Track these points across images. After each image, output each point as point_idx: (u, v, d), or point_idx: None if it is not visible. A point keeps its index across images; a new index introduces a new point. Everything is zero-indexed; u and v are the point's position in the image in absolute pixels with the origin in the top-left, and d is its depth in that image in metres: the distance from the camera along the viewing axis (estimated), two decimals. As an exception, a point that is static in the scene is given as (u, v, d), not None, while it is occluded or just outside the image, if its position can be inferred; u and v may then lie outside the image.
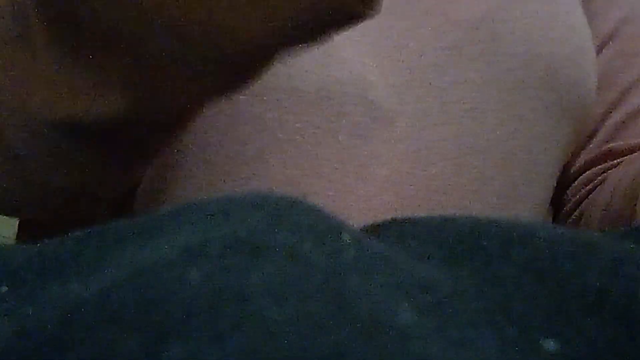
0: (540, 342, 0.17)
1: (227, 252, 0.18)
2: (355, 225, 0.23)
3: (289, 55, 0.38)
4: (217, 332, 0.15)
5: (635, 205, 0.45)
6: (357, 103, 0.42)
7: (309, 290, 0.16)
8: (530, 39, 0.45)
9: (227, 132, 0.41)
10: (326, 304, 0.16)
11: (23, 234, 0.50)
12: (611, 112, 0.53)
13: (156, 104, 0.32)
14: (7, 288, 0.19)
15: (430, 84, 0.44)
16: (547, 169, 0.48)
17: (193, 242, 0.18)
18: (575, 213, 0.54)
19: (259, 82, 0.40)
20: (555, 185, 0.51)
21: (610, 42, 0.54)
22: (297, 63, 0.41)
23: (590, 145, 0.54)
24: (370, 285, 0.17)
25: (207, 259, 0.17)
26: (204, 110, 0.35)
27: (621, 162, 0.52)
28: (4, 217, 0.42)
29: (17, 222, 0.51)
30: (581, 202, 0.54)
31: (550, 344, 0.17)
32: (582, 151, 0.54)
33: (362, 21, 0.27)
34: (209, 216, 0.20)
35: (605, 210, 0.49)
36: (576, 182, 0.54)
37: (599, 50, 0.54)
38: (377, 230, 0.24)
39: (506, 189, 0.45)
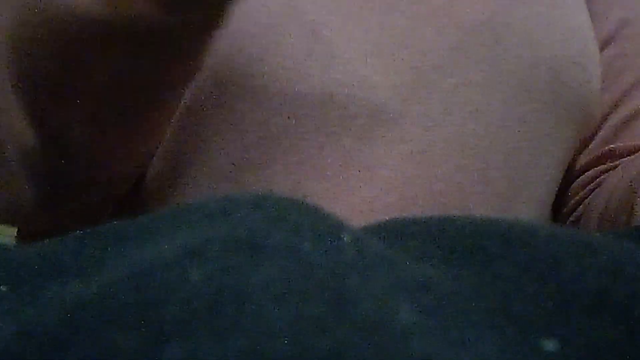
0: (540, 342, 0.17)
1: (227, 252, 0.18)
2: (355, 226, 0.23)
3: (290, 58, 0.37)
4: (217, 332, 0.15)
5: (632, 210, 0.45)
6: (360, 105, 0.42)
7: (309, 290, 0.16)
8: (534, 41, 0.45)
9: (230, 138, 0.41)
10: (326, 304, 0.16)
11: (23, 234, 0.50)
12: (611, 113, 0.53)
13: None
14: (7, 288, 0.19)
15: (433, 85, 0.44)
16: (549, 171, 0.48)
17: (193, 242, 0.18)
18: (575, 214, 0.54)
19: (262, 88, 0.40)
20: (557, 186, 0.51)
21: (611, 44, 0.54)
22: (299, 67, 0.41)
23: (590, 146, 0.54)
24: (370, 285, 0.17)
25: (207, 259, 0.17)
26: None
27: (620, 163, 0.52)
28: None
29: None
30: (580, 203, 0.54)
31: (550, 344, 0.17)
32: (582, 152, 0.54)
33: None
34: (209, 216, 0.20)
35: (602, 214, 0.49)
36: (576, 183, 0.54)
37: (600, 51, 0.54)
38: (377, 230, 0.24)
39: (509, 190, 0.45)
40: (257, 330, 0.15)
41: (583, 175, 0.54)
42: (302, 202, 0.21)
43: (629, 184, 0.46)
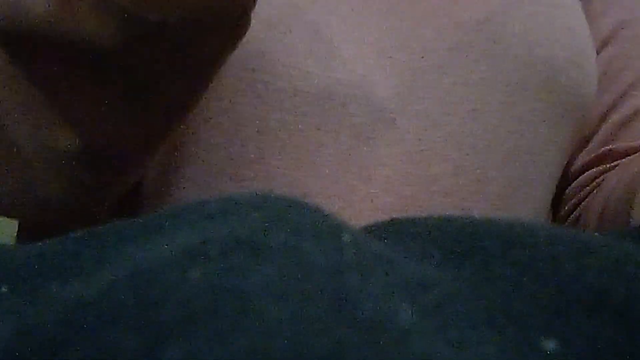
0: (540, 342, 0.17)
1: (227, 252, 0.18)
2: (356, 226, 0.23)
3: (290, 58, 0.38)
4: (217, 332, 0.15)
5: (631, 210, 0.45)
6: (359, 104, 0.42)
7: (309, 290, 0.16)
8: (531, 41, 0.45)
9: (229, 134, 0.41)
10: (326, 304, 0.16)
11: (23, 234, 0.50)
12: (610, 114, 0.54)
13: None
14: (7, 288, 0.19)
15: (432, 85, 0.44)
16: (547, 170, 0.48)
17: (193, 242, 0.18)
18: (574, 215, 0.54)
19: (262, 83, 0.41)
20: (555, 186, 0.51)
21: (609, 44, 0.54)
22: (299, 64, 0.41)
23: (589, 147, 0.54)
24: (370, 285, 0.17)
25: (207, 259, 0.17)
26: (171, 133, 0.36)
27: (618, 164, 0.52)
28: (5, 217, 0.42)
29: (17, 223, 0.51)
30: (579, 204, 0.54)
31: (550, 344, 0.17)
32: (581, 152, 0.54)
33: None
34: (209, 216, 0.20)
35: (601, 214, 0.49)
36: (575, 184, 0.54)
37: (598, 52, 0.54)
38: (377, 230, 0.24)
39: (507, 190, 0.45)
40: (257, 330, 0.15)
41: (582, 176, 0.54)
42: (302, 202, 0.21)
43: (628, 184, 0.46)
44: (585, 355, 0.17)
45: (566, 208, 0.55)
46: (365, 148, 0.42)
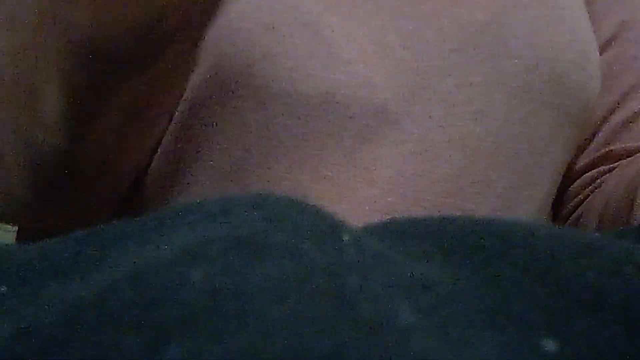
0: (540, 342, 0.17)
1: (227, 252, 0.18)
2: (356, 226, 0.23)
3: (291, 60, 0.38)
4: (217, 332, 0.15)
5: (631, 210, 0.45)
6: (362, 105, 0.42)
7: (309, 290, 0.16)
8: (535, 43, 0.45)
9: (232, 138, 0.41)
10: (326, 304, 0.16)
11: (23, 234, 0.50)
12: (611, 115, 0.54)
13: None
14: (7, 288, 0.19)
15: (434, 86, 0.44)
16: (549, 172, 0.48)
17: (193, 242, 0.18)
18: (574, 215, 0.54)
19: (263, 87, 0.41)
20: (557, 187, 0.51)
21: (611, 46, 0.54)
22: (301, 67, 0.41)
23: (590, 148, 0.54)
24: (370, 285, 0.17)
25: (207, 259, 0.17)
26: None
27: (619, 164, 0.53)
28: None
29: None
30: (579, 205, 0.54)
31: (550, 344, 0.17)
32: (582, 153, 0.54)
33: None
34: (209, 216, 0.20)
35: (601, 214, 0.49)
36: (575, 184, 0.54)
37: (600, 53, 0.54)
38: (377, 230, 0.24)
39: (509, 191, 0.45)
40: (257, 330, 0.15)
41: (583, 177, 0.54)
42: (302, 202, 0.21)
43: (628, 184, 0.46)
44: (585, 355, 0.17)
45: (567, 208, 0.55)
46: (367, 149, 0.42)
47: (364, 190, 0.42)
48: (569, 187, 0.55)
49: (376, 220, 0.39)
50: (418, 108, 0.43)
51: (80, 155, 0.37)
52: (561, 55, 0.46)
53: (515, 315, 0.18)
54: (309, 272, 0.17)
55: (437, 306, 0.17)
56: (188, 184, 0.42)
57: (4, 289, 0.19)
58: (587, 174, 0.54)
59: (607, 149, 0.53)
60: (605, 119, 0.54)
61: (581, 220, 0.53)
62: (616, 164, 0.53)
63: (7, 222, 0.42)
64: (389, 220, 0.25)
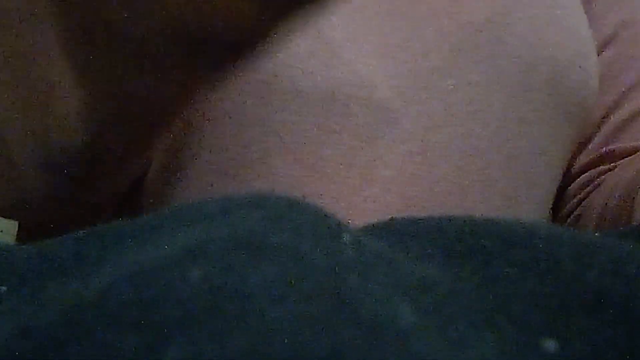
0: (540, 342, 0.17)
1: (227, 252, 0.18)
2: (356, 226, 0.23)
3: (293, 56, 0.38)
4: (217, 332, 0.15)
5: (631, 210, 0.45)
6: (362, 104, 0.42)
7: (309, 290, 0.16)
8: (533, 42, 0.46)
9: (232, 135, 0.41)
10: (326, 304, 0.16)
11: (23, 234, 0.50)
12: (610, 115, 0.54)
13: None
14: (7, 288, 0.19)
15: (434, 85, 0.44)
16: (549, 171, 0.48)
17: (193, 242, 0.18)
18: (574, 215, 0.54)
19: (264, 84, 0.41)
20: (557, 186, 0.51)
21: (610, 45, 0.54)
22: (302, 65, 0.41)
23: (589, 147, 0.54)
24: (370, 285, 0.17)
25: (207, 259, 0.17)
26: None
27: (619, 164, 0.53)
28: (4, 218, 0.42)
29: (17, 223, 0.51)
30: (579, 204, 0.54)
31: (550, 344, 0.17)
32: (581, 153, 0.54)
33: None
34: (209, 216, 0.20)
35: (601, 213, 0.49)
36: (575, 184, 0.54)
37: (599, 53, 0.54)
38: (377, 230, 0.24)
39: (509, 190, 0.45)
40: (257, 330, 0.15)
41: (582, 176, 0.54)
42: (302, 202, 0.21)
43: (628, 184, 0.46)
44: (585, 355, 0.17)
45: (566, 208, 0.55)
46: (367, 148, 0.42)
47: (363, 189, 0.42)
48: (569, 186, 0.55)
49: (376, 220, 0.39)
50: (418, 107, 0.43)
51: (95, 156, 0.37)
52: (560, 54, 0.46)
53: (515, 315, 0.18)
54: (308, 272, 0.17)
55: (437, 306, 0.17)
56: (187, 181, 0.42)
57: (4, 289, 0.19)
58: (586, 174, 0.54)
59: (606, 149, 0.53)
60: (604, 119, 0.54)
61: (581, 220, 0.53)
62: (616, 163, 0.53)
63: (8, 217, 0.42)
64: (389, 220, 0.25)
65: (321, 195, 0.42)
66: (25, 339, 0.16)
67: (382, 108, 0.42)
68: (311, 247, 0.18)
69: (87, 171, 0.37)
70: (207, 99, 0.41)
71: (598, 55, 0.53)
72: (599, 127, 0.54)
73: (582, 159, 0.54)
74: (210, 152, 0.42)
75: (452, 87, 0.44)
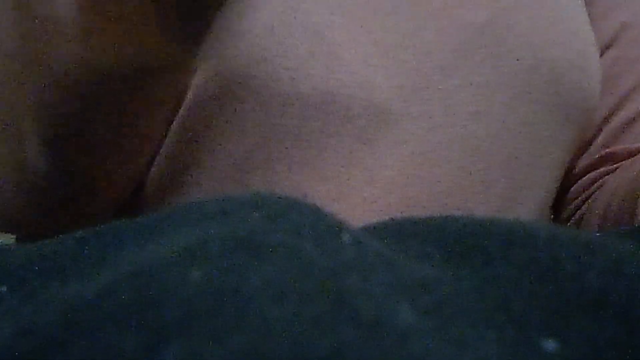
0: (540, 342, 0.17)
1: (227, 252, 0.18)
2: (356, 226, 0.23)
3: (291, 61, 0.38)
4: (217, 332, 0.15)
5: (634, 211, 0.45)
6: (362, 106, 0.42)
7: (309, 290, 0.16)
8: (535, 43, 0.45)
9: (233, 139, 0.41)
10: (326, 304, 0.16)
11: (23, 235, 0.50)
12: (612, 116, 0.54)
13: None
14: (7, 288, 0.19)
15: (435, 86, 0.44)
16: (550, 172, 0.48)
17: (193, 242, 0.18)
18: (575, 217, 0.54)
19: (264, 88, 0.41)
20: (558, 187, 0.51)
21: (611, 47, 0.54)
22: (301, 67, 0.41)
23: (590, 149, 0.54)
24: (370, 285, 0.17)
25: (207, 259, 0.17)
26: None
27: (620, 166, 0.53)
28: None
29: (15, 237, 0.51)
30: (580, 206, 0.54)
31: (550, 344, 0.17)
32: (582, 155, 0.54)
33: None
34: (209, 216, 0.20)
35: (603, 215, 0.49)
36: (576, 186, 0.54)
37: (600, 54, 0.54)
38: (377, 230, 0.24)
39: (510, 191, 0.45)
40: (257, 330, 0.15)
41: (584, 178, 0.54)
42: (302, 202, 0.21)
43: (630, 186, 0.46)
44: (585, 355, 0.17)
45: (568, 210, 0.55)
46: (368, 150, 0.42)
47: (364, 190, 0.42)
48: (570, 188, 0.55)
49: (376, 220, 0.39)
50: (418, 108, 0.43)
51: (71, 177, 0.37)
52: (561, 55, 0.46)
53: (515, 315, 0.18)
54: (308, 272, 0.17)
55: (437, 306, 0.17)
56: (188, 185, 0.42)
57: (4, 289, 0.19)
58: (588, 175, 0.54)
59: (608, 150, 0.53)
60: (606, 120, 0.54)
61: (583, 222, 0.53)
62: (617, 165, 0.53)
63: (5, 232, 0.43)
64: (389, 220, 0.25)
65: (322, 196, 0.42)
66: (25, 339, 0.16)
67: (382, 109, 0.42)
68: (311, 247, 0.18)
69: (68, 191, 0.38)
70: (205, 105, 0.41)
71: (600, 57, 0.53)
72: (601, 129, 0.54)
73: (584, 161, 0.54)
74: (211, 157, 0.42)
75: (452, 87, 0.44)
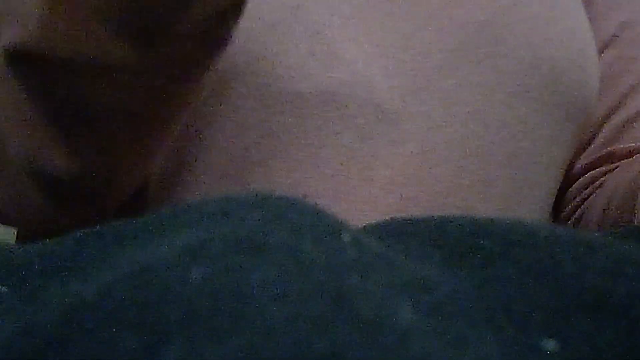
0: (540, 342, 0.17)
1: (227, 252, 0.18)
2: (355, 226, 0.23)
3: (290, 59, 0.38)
4: (217, 332, 0.15)
5: (633, 209, 0.45)
6: (361, 105, 0.42)
7: (309, 289, 0.16)
8: (534, 43, 0.45)
9: (232, 137, 0.41)
10: (326, 304, 0.16)
11: (23, 234, 0.50)
12: (611, 116, 0.53)
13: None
14: (7, 288, 0.19)
15: (434, 86, 0.44)
16: (549, 171, 0.48)
17: (193, 242, 0.18)
18: (575, 216, 0.54)
19: (264, 86, 0.41)
20: (557, 187, 0.51)
21: (610, 46, 0.54)
22: (301, 65, 0.41)
23: (590, 149, 0.54)
24: (370, 285, 0.17)
25: (207, 258, 0.17)
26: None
27: (620, 165, 0.52)
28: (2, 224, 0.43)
29: (16, 229, 0.51)
30: (580, 205, 0.54)
31: (550, 344, 0.17)
32: (582, 154, 0.54)
33: None
34: (209, 216, 0.20)
35: (603, 214, 0.49)
36: (576, 185, 0.54)
37: (599, 54, 0.54)
38: (377, 230, 0.24)
39: (509, 191, 0.45)
40: (257, 330, 0.15)
41: (583, 177, 0.54)
42: (302, 202, 0.21)
43: (630, 185, 0.46)
44: (585, 355, 0.17)
45: (568, 209, 0.55)
46: (367, 149, 0.42)
47: (363, 190, 0.42)
48: (570, 187, 0.55)
49: (375, 219, 0.39)
50: (417, 108, 0.43)
51: (88, 174, 0.37)
52: (560, 54, 0.46)
53: (515, 315, 0.18)
54: (308, 272, 0.17)
55: (437, 306, 0.17)
56: (188, 183, 0.42)
57: (4, 289, 0.19)
58: (587, 175, 0.54)
59: (607, 150, 0.53)
60: (605, 120, 0.54)
61: (582, 221, 0.53)
62: (617, 164, 0.53)
63: (10, 225, 0.43)
64: (389, 220, 0.25)
65: (320, 195, 0.42)
66: (26, 339, 0.16)
67: (381, 108, 0.42)
68: (311, 246, 0.18)
69: (84, 188, 0.38)
70: (204, 101, 0.41)
71: (599, 56, 0.53)
72: (600, 128, 0.54)
73: (583, 160, 0.54)
74: (211, 155, 0.42)
75: (452, 87, 0.44)
